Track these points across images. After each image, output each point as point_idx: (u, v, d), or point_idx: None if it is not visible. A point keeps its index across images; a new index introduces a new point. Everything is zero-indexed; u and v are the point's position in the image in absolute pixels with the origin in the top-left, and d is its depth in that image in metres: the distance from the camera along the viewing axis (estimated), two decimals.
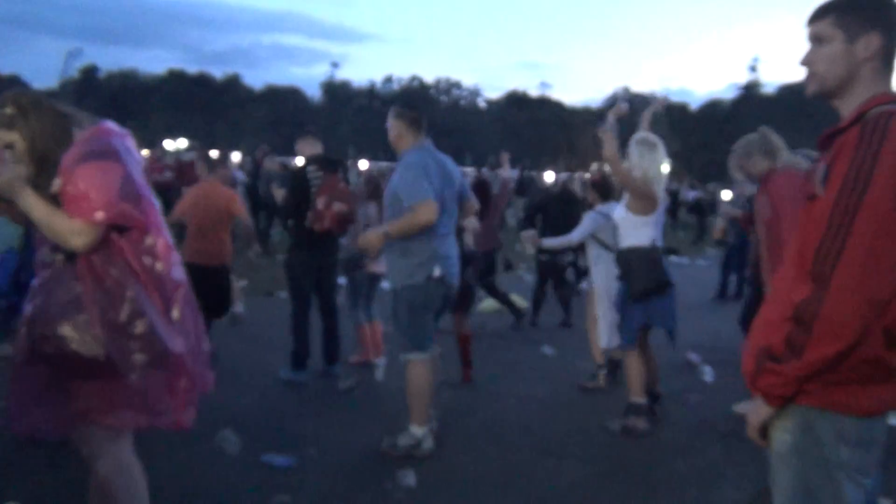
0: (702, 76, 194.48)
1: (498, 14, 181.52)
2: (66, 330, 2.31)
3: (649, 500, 3.71)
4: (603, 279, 5.39)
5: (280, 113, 76.78)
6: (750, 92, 78.53)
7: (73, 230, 2.28)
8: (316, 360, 5.62)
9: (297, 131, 5.96)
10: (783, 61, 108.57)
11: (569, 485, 3.86)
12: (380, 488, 3.68)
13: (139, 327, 2.36)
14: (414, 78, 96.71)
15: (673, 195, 27.60)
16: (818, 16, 1.77)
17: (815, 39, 1.77)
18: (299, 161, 5.83)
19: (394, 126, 4.13)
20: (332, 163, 5.60)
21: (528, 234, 5.74)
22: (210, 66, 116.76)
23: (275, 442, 4.15)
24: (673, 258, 15.80)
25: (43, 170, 2.39)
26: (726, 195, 10.87)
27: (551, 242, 5.90)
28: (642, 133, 4.59)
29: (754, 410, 1.77)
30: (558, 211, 7.97)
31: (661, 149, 4.50)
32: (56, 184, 2.36)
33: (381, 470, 3.87)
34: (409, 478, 3.73)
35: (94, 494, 2.49)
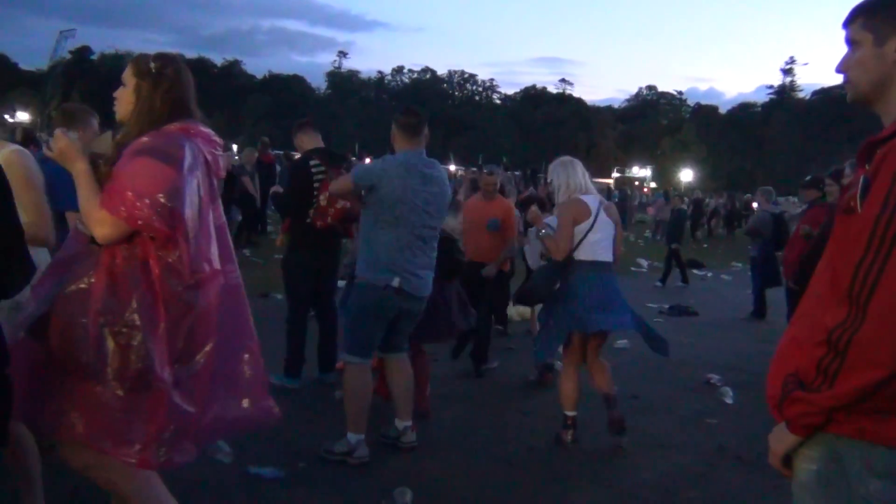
0: (731, 77, 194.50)
1: (516, 5, 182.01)
2: (60, 313, 2.32)
3: None
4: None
5: (282, 103, 77.04)
6: (783, 96, 78.35)
7: (97, 219, 2.31)
8: (309, 367, 5.62)
9: (296, 123, 5.89)
10: (819, 64, 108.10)
11: None
12: None
13: (132, 339, 2.29)
14: (426, 70, 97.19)
15: (696, 205, 27.65)
16: (849, 19, 1.77)
17: (849, 44, 1.77)
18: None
19: (392, 132, 4.31)
20: (335, 157, 5.61)
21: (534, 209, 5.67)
22: (207, 51, 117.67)
23: (263, 452, 4.15)
24: (696, 271, 15.78)
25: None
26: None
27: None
28: (560, 158, 5.03)
29: (778, 437, 1.75)
30: None
31: (578, 164, 4.93)
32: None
33: (376, 486, 3.86)
34: (406, 496, 3.72)
35: None
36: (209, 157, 2.52)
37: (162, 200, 2.28)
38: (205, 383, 2.44)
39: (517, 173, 19.27)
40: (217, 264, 2.48)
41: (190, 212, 2.36)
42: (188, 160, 2.38)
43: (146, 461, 2.34)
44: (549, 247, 4.77)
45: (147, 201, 2.26)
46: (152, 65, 2.48)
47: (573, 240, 4.65)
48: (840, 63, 1.80)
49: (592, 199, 4.77)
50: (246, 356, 2.61)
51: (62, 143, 2.41)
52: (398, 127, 4.24)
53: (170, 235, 2.32)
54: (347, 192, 4.35)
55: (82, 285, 2.33)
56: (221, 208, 2.64)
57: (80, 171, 2.38)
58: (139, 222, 2.27)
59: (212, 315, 2.45)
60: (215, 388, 2.49)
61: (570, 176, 4.80)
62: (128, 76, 2.51)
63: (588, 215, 4.68)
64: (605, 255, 4.72)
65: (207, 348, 2.44)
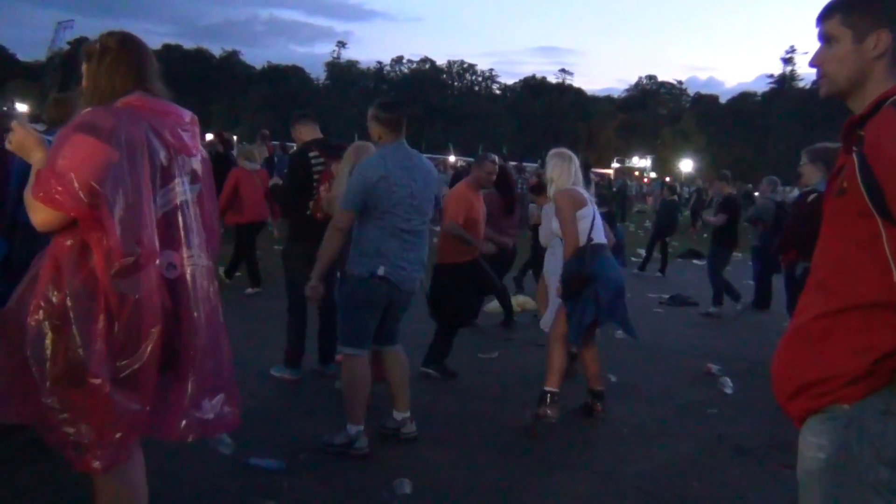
0: (731, 66, 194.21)
1: None
2: (13, 308, 2.27)
3: None
4: (552, 266, 5.91)
5: (281, 93, 76.86)
6: (783, 85, 78.17)
7: (29, 205, 2.23)
8: (309, 358, 5.63)
9: (294, 114, 5.90)
10: None
11: (574, 501, 3.85)
12: (373, 496, 3.68)
13: (64, 331, 2.18)
14: (425, 60, 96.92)
15: (698, 195, 27.59)
16: (825, 15, 1.82)
17: (824, 39, 1.82)
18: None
19: (372, 128, 4.27)
20: (334, 148, 5.60)
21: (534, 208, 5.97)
22: (205, 41, 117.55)
23: (263, 443, 4.16)
24: (696, 261, 15.77)
25: None
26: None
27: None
28: (558, 149, 5.25)
29: None
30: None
31: (575, 160, 5.15)
32: None
33: (376, 477, 3.87)
34: (405, 486, 3.74)
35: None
36: (168, 134, 2.36)
37: (83, 177, 2.14)
38: (151, 377, 2.27)
39: (514, 163, 19.24)
40: (153, 246, 2.26)
41: (116, 188, 2.18)
42: (121, 133, 2.21)
43: (85, 464, 2.24)
44: (564, 241, 4.96)
45: (66, 179, 2.13)
46: (97, 45, 2.40)
47: (586, 223, 4.86)
48: (814, 58, 1.85)
49: (582, 189, 5.05)
50: (198, 348, 2.42)
51: (19, 134, 2.35)
52: (381, 123, 4.21)
53: (93, 215, 2.16)
54: (352, 217, 4.15)
55: (32, 277, 2.28)
56: (182, 188, 2.41)
57: (37, 161, 2.29)
58: (61, 204, 2.15)
59: (154, 302, 2.25)
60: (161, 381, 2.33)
61: (563, 171, 5.03)
62: (82, 65, 2.43)
63: (585, 201, 4.95)
64: (604, 238, 5.02)
65: (152, 339, 2.24)
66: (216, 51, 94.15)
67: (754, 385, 5.90)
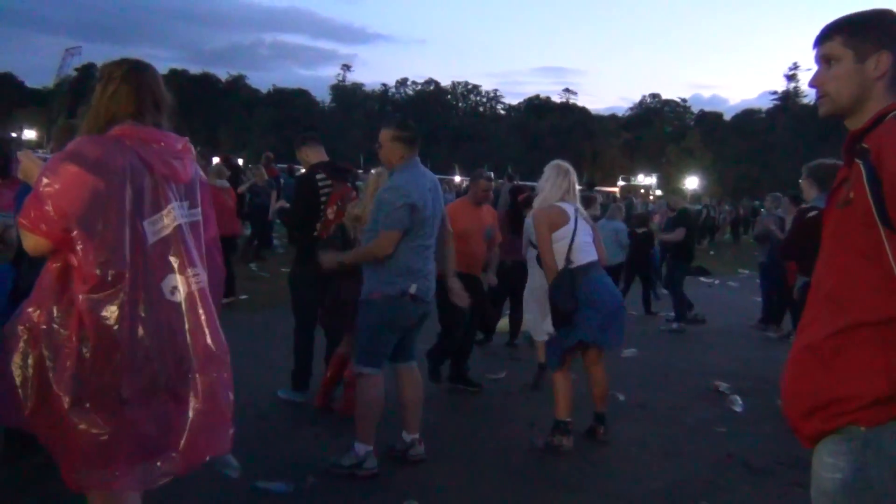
0: (735, 84, 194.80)
1: (518, 15, 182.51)
2: (7, 330, 2.32)
3: None
4: (534, 279, 5.97)
5: (287, 116, 77.26)
6: (787, 102, 78.27)
7: (20, 230, 2.28)
8: (316, 380, 5.62)
9: (300, 137, 5.89)
10: None
11: None
12: None
13: (37, 349, 2.23)
14: (429, 81, 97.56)
15: (707, 212, 27.57)
16: (826, 36, 1.85)
17: (825, 60, 1.85)
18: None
19: (395, 150, 4.22)
20: (341, 170, 5.62)
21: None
22: (212, 66, 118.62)
23: (270, 466, 4.15)
24: (702, 279, 15.74)
25: None
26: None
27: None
28: (557, 161, 5.09)
29: None
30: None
31: (572, 174, 5.00)
32: None
33: (384, 499, 3.86)
34: None
35: None
36: (157, 163, 2.35)
37: (59, 204, 2.18)
38: (135, 396, 2.26)
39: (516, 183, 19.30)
40: (126, 269, 2.24)
41: (95, 215, 2.20)
42: (106, 162, 2.24)
43: (67, 479, 2.26)
44: (543, 264, 4.86)
45: (44, 205, 2.19)
46: (107, 70, 2.44)
47: (563, 244, 4.73)
48: (814, 78, 1.89)
49: (568, 206, 4.87)
50: (188, 375, 2.40)
51: (23, 162, 2.43)
52: (404, 143, 4.22)
53: (70, 239, 2.20)
54: (399, 238, 4.10)
55: (30, 297, 2.34)
56: (176, 212, 2.40)
57: None
58: (39, 228, 2.20)
59: (125, 325, 2.23)
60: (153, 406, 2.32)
61: (554, 183, 4.88)
62: (96, 85, 2.48)
63: (566, 219, 4.79)
64: (593, 255, 4.87)
65: (126, 361, 2.23)
66: (222, 75, 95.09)
67: (763, 403, 5.87)
